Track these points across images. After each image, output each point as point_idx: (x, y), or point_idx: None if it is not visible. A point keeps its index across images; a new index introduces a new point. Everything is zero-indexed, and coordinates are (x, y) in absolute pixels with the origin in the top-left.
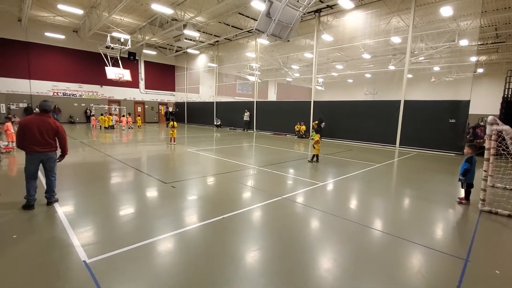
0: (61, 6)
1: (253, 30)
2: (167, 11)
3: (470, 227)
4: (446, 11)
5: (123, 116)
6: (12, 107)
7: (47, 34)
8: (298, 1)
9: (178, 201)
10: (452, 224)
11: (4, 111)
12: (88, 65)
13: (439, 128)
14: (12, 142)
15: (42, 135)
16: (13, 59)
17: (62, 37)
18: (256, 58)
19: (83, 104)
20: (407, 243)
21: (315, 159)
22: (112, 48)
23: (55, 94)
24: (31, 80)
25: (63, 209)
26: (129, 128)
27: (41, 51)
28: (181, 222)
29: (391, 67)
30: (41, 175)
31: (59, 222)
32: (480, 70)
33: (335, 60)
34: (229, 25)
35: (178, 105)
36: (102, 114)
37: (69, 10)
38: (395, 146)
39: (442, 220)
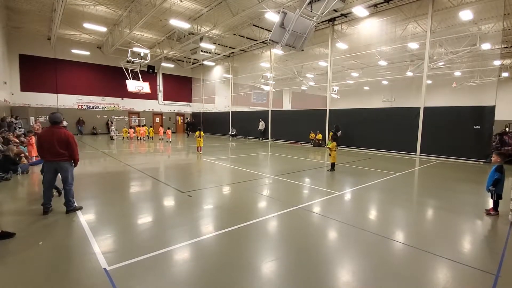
0: (86, 25)
1: (268, 41)
2: (185, 25)
3: (501, 240)
4: (466, 15)
5: (168, 128)
6: (41, 119)
7: (74, 50)
8: (311, 12)
9: (194, 210)
10: (480, 236)
11: (34, 124)
12: (110, 79)
13: (463, 135)
14: (36, 156)
15: (53, 145)
16: (43, 75)
17: (87, 53)
18: (270, 68)
19: (105, 116)
20: (431, 256)
21: (330, 167)
22: (133, 62)
23: (80, 107)
24: (58, 94)
25: (85, 217)
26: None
27: (68, 66)
28: (197, 231)
29: (409, 73)
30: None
31: (81, 229)
32: (505, 74)
33: (351, 68)
34: (243, 36)
35: (195, 116)
36: (152, 127)
37: (94, 28)
38: (415, 154)
39: (469, 232)
